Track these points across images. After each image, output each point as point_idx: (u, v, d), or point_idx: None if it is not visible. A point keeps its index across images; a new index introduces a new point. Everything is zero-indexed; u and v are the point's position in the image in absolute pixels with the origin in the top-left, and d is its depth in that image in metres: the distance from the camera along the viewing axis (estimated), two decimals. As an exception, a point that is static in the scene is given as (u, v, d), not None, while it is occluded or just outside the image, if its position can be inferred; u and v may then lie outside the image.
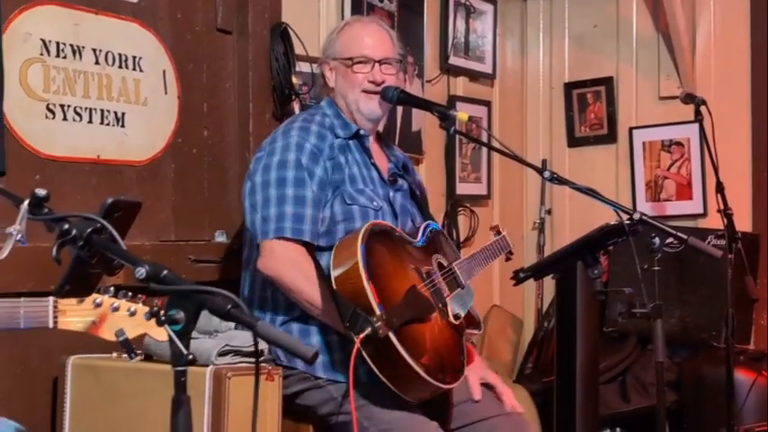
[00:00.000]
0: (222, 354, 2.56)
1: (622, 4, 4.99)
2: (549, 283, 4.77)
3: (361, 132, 2.92)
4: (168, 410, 2.40)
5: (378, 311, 2.45)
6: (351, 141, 2.91)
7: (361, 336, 2.39)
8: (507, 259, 3.27)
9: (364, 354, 2.45)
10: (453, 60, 4.64)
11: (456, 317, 2.76)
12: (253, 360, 2.54)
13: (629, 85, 4.97)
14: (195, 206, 3.38)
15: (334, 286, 2.55)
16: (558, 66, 5.20)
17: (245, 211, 2.82)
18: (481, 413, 2.82)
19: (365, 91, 2.90)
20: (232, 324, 2.67)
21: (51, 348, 2.78)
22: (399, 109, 4.15)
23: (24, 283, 2.62)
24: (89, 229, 1.47)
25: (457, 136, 4.31)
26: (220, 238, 3.43)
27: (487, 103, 4.90)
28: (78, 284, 1.59)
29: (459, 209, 4.65)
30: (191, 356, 1.43)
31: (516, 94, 5.22)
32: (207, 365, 2.52)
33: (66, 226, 1.46)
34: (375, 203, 2.83)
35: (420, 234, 2.87)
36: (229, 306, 1.43)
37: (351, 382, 2.40)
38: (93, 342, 2.63)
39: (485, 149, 4.82)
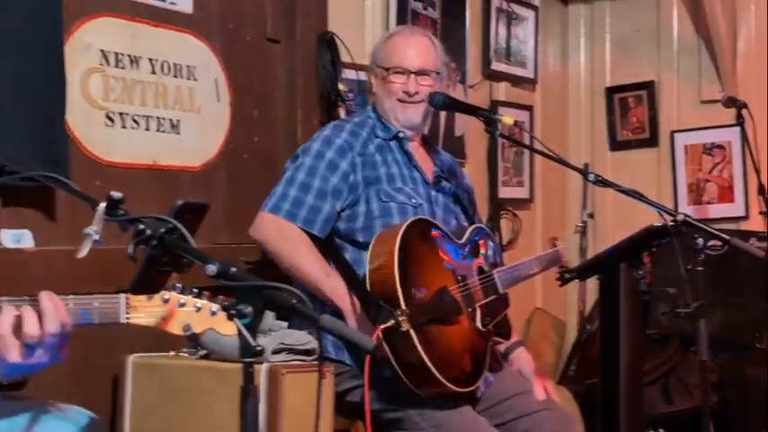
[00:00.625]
0: (276, 351, 2.64)
1: (663, 9, 5.04)
2: (591, 285, 4.82)
3: (400, 135, 3.01)
4: (225, 406, 2.53)
5: (403, 306, 2.54)
6: (391, 142, 3.01)
7: (382, 326, 2.48)
8: (560, 275, 3.21)
9: (385, 345, 2.54)
10: (495, 66, 4.72)
11: (485, 323, 2.82)
12: (306, 357, 2.66)
13: (671, 89, 5.02)
14: (246, 210, 3.46)
15: (368, 276, 2.64)
16: (600, 70, 5.26)
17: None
18: (526, 407, 2.87)
19: (400, 100, 2.99)
20: (285, 323, 2.77)
21: (112, 347, 2.87)
22: (443, 114, 4.23)
23: (87, 285, 2.72)
24: (162, 230, 1.57)
25: (499, 140, 4.39)
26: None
27: (529, 108, 4.97)
28: (150, 281, 1.67)
29: (502, 212, 4.72)
30: (259, 348, 1.51)
31: (558, 98, 5.28)
32: (262, 363, 2.60)
33: (142, 226, 1.56)
34: (414, 201, 2.91)
35: (466, 235, 2.94)
36: (294, 300, 1.51)
37: (366, 369, 2.48)
38: (152, 341, 2.76)
39: (527, 153, 4.89)
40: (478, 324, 2.80)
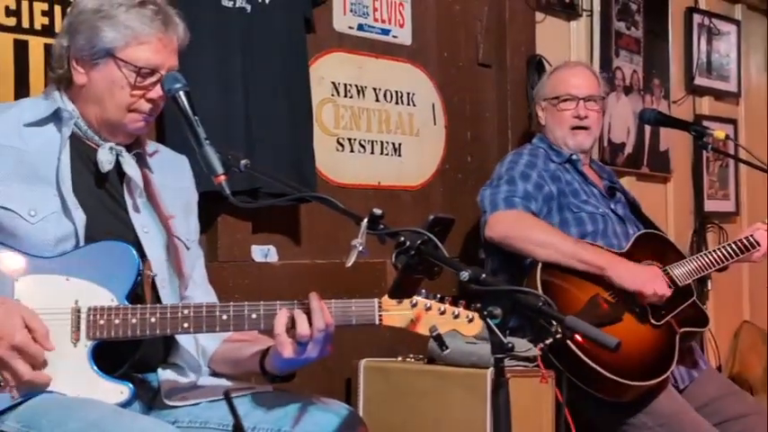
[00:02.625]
0: (499, 357, 2.81)
1: None
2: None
3: (573, 158, 3.20)
4: (450, 408, 2.73)
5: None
6: (566, 165, 3.19)
7: (540, 345, 2.64)
8: None
9: (552, 358, 2.71)
10: (698, 81, 4.78)
11: (658, 317, 2.91)
12: (528, 364, 2.81)
13: None
14: (461, 225, 3.69)
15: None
16: (805, 81, 5.20)
17: (482, 209, 3.11)
18: (735, 411, 2.95)
19: (573, 128, 3.18)
20: (506, 331, 2.95)
21: (344, 352, 3.12)
22: (647, 129, 4.33)
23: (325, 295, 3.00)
24: (418, 241, 1.78)
25: (704, 154, 4.43)
26: (483, 254, 3.72)
27: (733, 122, 4.98)
28: (406, 287, 1.89)
29: (708, 226, 4.75)
30: (510, 345, 1.70)
31: (762, 111, 5.24)
32: (487, 368, 2.78)
33: (402, 238, 1.78)
34: (601, 210, 3.09)
35: (628, 244, 3.06)
36: (540, 303, 1.69)
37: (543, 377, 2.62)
38: (379, 348, 3.00)
39: (732, 167, 4.90)
40: (651, 321, 2.90)
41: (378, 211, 1.83)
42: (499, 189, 3.05)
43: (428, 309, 1.99)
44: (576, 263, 2.89)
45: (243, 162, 1.94)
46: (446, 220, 1.87)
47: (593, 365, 2.70)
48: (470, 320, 2.00)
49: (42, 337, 1.84)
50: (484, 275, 1.72)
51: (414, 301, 1.98)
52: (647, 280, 2.86)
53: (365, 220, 1.83)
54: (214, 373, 2.19)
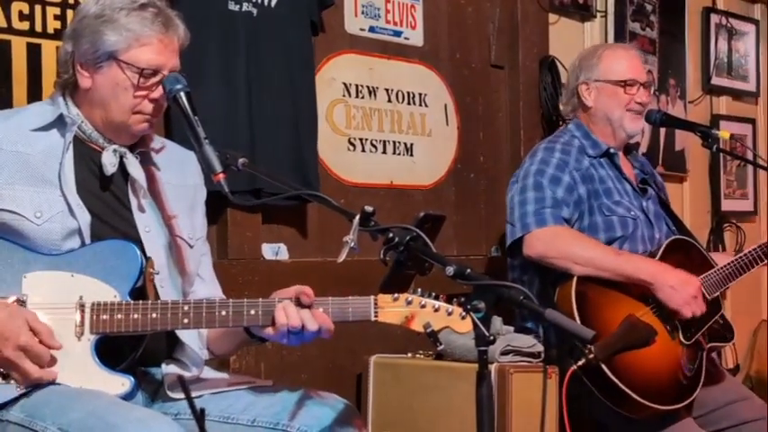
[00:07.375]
0: (504, 353, 2.86)
1: None
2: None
3: (611, 151, 3.12)
4: (459, 401, 2.78)
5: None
6: (602, 159, 3.11)
7: (573, 367, 2.60)
8: None
9: (585, 379, 2.70)
10: (716, 81, 4.78)
11: (689, 336, 2.90)
12: (532, 359, 2.85)
13: None
14: (473, 225, 3.74)
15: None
16: (826, 80, 5.16)
17: (509, 213, 3.06)
18: (743, 416, 2.95)
19: (630, 110, 3.10)
20: (512, 328, 2.99)
21: (355, 348, 3.19)
22: (663, 129, 4.34)
23: (332, 292, 3.05)
24: (407, 237, 1.83)
25: (721, 153, 4.43)
26: (495, 253, 3.77)
27: (752, 121, 4.98)
28: (397, 282, 1.95)
29: (725, 225, 4.75)
30: (492, 338, 1.74)
31: (782, 110, 5.24)
32: (491, 363, 2.82)
33: (391, 234, 1.83)
34: (632, 213, 3.04)
35: (658, 251, 3.00)
36: (521, 297, 1.73)
37: (564, 401, 2.59)
38: (390, 344, 3.06)
39: (750, 166, 4.89)
40: (681, 339, 2.89)
41: (369, 209, 1.89)
42: (526, 198, 2.98)
43: (423, 306, 2.02)
44: (618, 277, 2.86)
45: (240, 161, 2.00)
46: (436, 217, 1.92)
47: (627, 390, 2.70)
48: (463, 318, 2.03)
49: (47, 336, 1.91)
50: (469, 270, 1.77)
51: (409, 299, 2.03)
52: (689, 299, 2.83)
53: (357, 216, 1.88)
54: (213, 356, 2.26)
